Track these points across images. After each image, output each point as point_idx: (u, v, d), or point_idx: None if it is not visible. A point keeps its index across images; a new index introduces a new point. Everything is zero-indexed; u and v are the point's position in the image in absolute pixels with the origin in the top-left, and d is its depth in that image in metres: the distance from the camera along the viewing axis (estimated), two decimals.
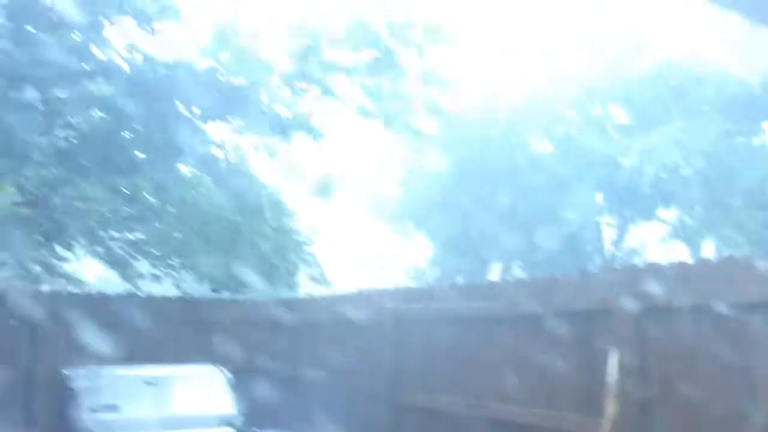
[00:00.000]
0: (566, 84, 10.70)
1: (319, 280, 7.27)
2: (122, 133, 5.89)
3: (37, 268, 6.46)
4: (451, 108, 8.33)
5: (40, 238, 6.29)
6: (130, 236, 6.67)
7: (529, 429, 3.61)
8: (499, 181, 10.92)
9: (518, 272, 11.19)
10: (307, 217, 8.42)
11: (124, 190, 6.31)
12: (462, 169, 11.17)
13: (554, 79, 10.84)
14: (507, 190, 10.87)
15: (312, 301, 5.99)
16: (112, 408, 4.40)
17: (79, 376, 4.53)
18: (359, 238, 15.23)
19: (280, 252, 6.95)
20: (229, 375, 4.85)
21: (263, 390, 5.19)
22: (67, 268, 6.62)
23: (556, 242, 10.22)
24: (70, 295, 6.20)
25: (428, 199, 11.61)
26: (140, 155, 5.94)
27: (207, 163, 6.22)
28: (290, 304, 6.06)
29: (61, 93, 5.58)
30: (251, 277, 6.55)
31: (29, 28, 5.31)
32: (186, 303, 6.14)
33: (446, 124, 9.63)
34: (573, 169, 10.27)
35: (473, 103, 10.92)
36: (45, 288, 6.52)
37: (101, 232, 6.59)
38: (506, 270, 11.49)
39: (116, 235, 6.58)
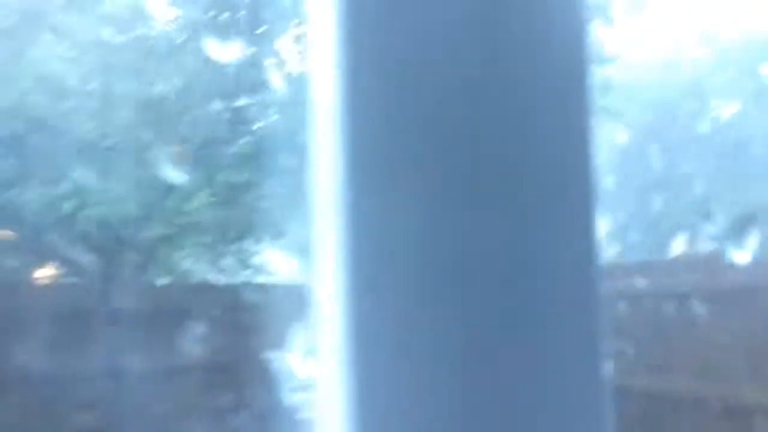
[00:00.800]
0: (755, 37, 9.97)
1: None
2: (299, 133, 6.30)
3: (230, 262, 7.02)
4: (622, 79, 8.06)
5: (233, 235, 6.81)
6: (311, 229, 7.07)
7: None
8: (679, 149, 10.39)
9: (704, 245, 10.61)
10: None
11: (303, 185, 6.74)
12: (638, 141, 10.74)
13: (741, 34, 10.13)
14: (687, 158, 10.34)
15: None
16: (312, 389, 4.68)
17: (280, 360, 4.86)
18: None
19: None
20: None
21: None
22: (257, 260, 7.11)
23: (744, 211, 9.59)
24: (265, 286, 6.69)
25: (603, 174, 11.26)
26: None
27: None
28: None
29: (243, 102, 6.07)
30: None
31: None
32: None
33: (619, 95, 9.31)
34: (764, 129, 9.58)
35: (649, 71, 10.46)
36: (237, 279, 7.06)
37: (285, 226, 7.02)
38: (691, 243, 10.94)
39: (299, 227, 6.99)
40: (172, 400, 5.73)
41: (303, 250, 7.21)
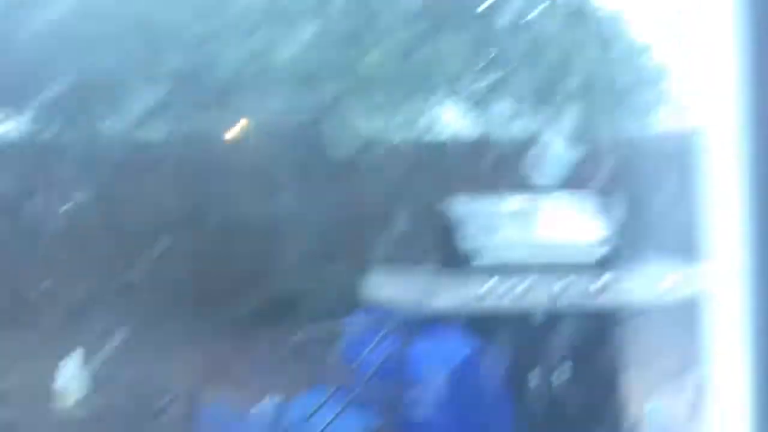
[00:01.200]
0: None
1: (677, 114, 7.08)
2: None
3: (406, 117, 7.17)
4: None
5: (406, 90, 6.93)
6: (487, 82, 7.05)
7: None
8: None
9: None
10: (659, 54, 8.08)
11: (476, 38, 6.67)
12: None
13: None
14: None
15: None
16: (489, 235, 4.83)
17: (459, 207, 5.02)
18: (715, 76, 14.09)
19: (634, 89, 6.85)
20: (601, 202, 4.97)
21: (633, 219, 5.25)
22: (431, 116, 7.23)
23: None
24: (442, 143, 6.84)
25: None
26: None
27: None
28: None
29: None
30: (604, 116, 6.58)
31: None
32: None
33: None
34: None
35: None
36: (410, 136, 7.22)
37: (460, 80, 7.05)
38: None
39: (474, 81, 6.99)
40: (358, 244, 6.12)
41: (477, 105, 7.22)
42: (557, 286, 4.63)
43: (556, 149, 5.88)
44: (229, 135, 7.14)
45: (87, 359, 3.40)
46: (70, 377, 3.24)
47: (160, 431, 3.33)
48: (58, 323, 6.28)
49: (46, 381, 3.26)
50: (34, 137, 7.38)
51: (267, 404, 3.64)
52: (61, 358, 3.27)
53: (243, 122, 7.03)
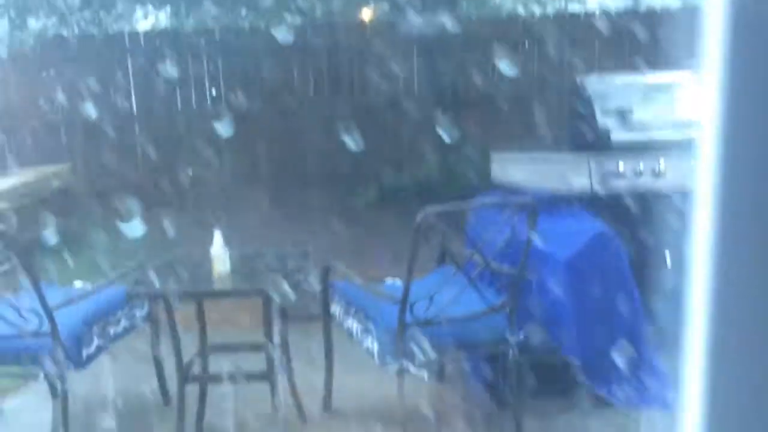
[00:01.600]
0: None
1: None
2: None
3: None
4: None
5: None
6: None
7: None
8: None
9: None
10: None
11: None
12: None
13: None
14: None
15: None
16: (624, 111, 4.67)
17: (593, 83, 4.86)
18: None
19: None
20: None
21: None
22: None
23: None
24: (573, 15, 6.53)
25: None
26: None
27: None
28: None
29: None
30: None
31: None
32: None
33: None
34: None
35: None
36: (547, 10, 6.94)
37: None
38: None
39: None
40: (490, 122, 6.10)
41: None
42: (694, 166, 4.47)
43: (699, 25, 5.45)
44: (363, 17, 7.13)
45: (231, 236, 3.69)
46: (219, 249, 3.55)
47: (296, 303, 3.60)
48: (205, 202, 6.73)
49: (202, 251, 3.61)
50: (172, 29, 7.68)
51: (392, 283, 3.81)
52: (210, 233, 3.59)
53: (373, 6, 6.99)
